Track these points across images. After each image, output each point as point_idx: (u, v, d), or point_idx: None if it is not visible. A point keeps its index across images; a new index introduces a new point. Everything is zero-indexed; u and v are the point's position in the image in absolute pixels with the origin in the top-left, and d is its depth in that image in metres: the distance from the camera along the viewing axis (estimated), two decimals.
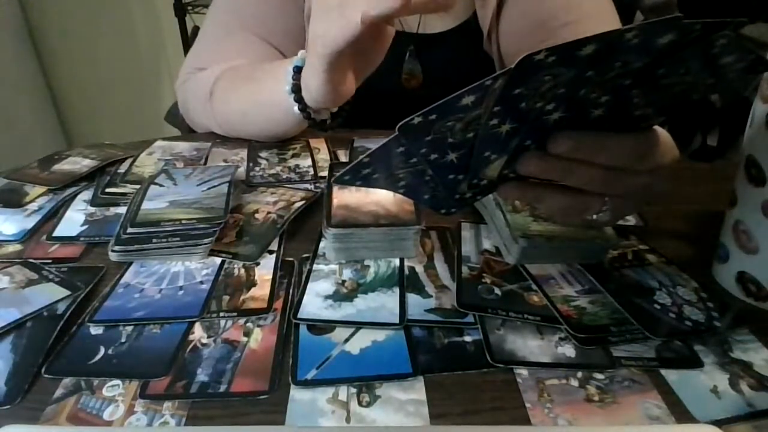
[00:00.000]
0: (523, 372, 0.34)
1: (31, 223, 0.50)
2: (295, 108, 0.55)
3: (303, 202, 0.53)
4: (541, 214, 0.45)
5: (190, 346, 0.36)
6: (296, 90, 0.53)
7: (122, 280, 0.42)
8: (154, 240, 0.44)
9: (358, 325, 0.38)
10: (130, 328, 0.38)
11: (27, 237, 0.49)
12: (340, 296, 0.41)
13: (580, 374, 0.34)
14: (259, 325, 0.38)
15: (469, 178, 0.36)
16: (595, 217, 0.38)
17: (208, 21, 0.73)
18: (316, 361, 0.35)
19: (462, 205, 0.40)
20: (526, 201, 0.39)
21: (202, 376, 0.34)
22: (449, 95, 0.27)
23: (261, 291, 0.41)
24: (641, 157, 0.35)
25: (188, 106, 0.73)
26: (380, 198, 0.47)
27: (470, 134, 0.31)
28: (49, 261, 0.45)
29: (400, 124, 0.28)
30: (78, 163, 0.61)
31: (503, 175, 0.36)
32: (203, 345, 0.36)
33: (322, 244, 0.47)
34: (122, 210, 0.51)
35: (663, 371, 0.35)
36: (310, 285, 0.42)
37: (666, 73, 0.30)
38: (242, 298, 0.41)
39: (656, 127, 0.36)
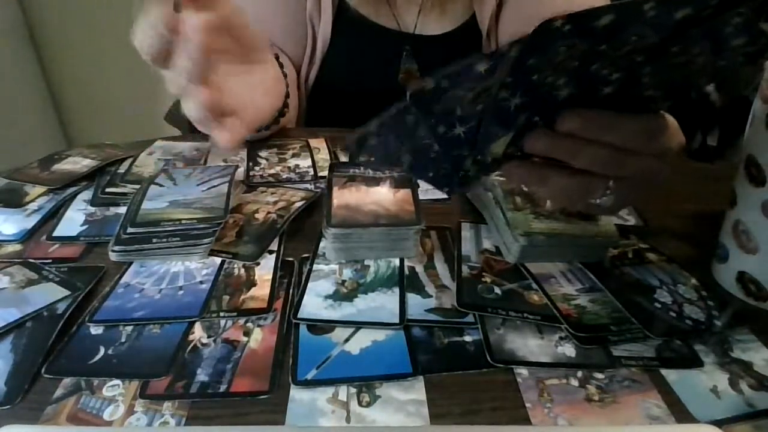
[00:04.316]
0: (523, 372, 0.34)
1: (31, 223, 0.50)
2: None
3: (303, 202, 0.53)
4: (542, 210, 0.45)
5: (190, 346, 0.36)
6: None
7: (122, 280, 0.42)
8: (154, 240, 0.44)
9: (358, 325, 0.38)
10: (130, 328, 0.38)
11: (27, 237, 0.49)
12: (340, 296, 0.41)
13: (580, 374, 0.34)
14: (259, 325, 0.38)
15: (475, 155, 0.36)
16: (598, 201, 0.37)
17: None
18: (316, 361, 0.35)
19: (464, 183, 0.39)
20: (529, 181, 0.38)
21: (202, 376, 0.34)
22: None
23: (261, 291, 0.41)
24: (649, 139, 0.34)
25: None
26: (380, 198, 0.47)
27: (479, 107, 0.31)
28: (49, 261, 0.45)
29: (412, 90, 0.28)
30: (78, 163, 0.61)
31: (508, 153, 0.36)
32: (203, 345, 0.36)
33: (322, 244, 0.47)
34: (122, 210, 0.51)
35: (663, 371, 0.35)
36: (310, 285, 0.42)
37: (679, 51, 0.30)
38: (242, 298, 0.41)
39: (663, 112, 0.36)
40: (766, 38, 0.29)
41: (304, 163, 0.63)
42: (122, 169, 0.60)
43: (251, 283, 0.42)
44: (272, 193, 0.55)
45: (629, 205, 0.41)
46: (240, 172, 0.60)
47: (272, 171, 0.61)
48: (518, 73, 0.29)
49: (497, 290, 0.41)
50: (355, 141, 0.33)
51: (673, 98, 0.35)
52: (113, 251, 0.44)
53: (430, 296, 0.41)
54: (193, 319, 0.38)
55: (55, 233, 0.49)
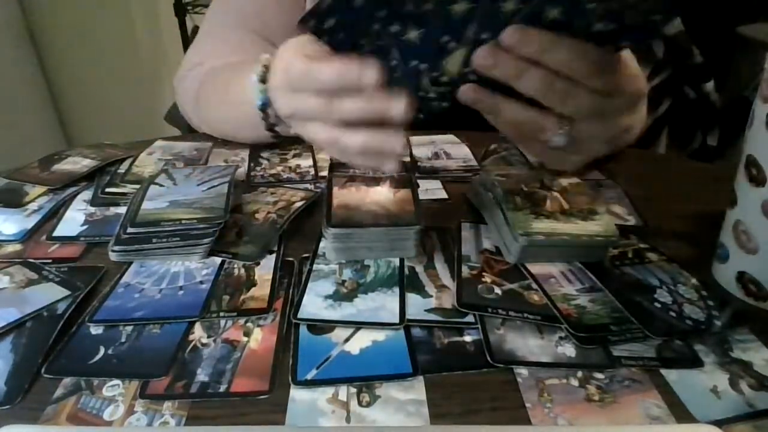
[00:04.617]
0: (523, 372, 0.34)
1: (31, 223, 0.50)
2: (264, 128, 0.53)
3: (303, 202, 0.53)
4: (542, 210, 0.45)
5: (190, 346, 0.36)
6: (263, 108, 0.51)
7: (122, 280, 0.42)
8: (154, 240, 0.44)
9: (358, 325, 0.38)
10: (130, 328, 0.38)
11: (27, 237, 0.49)
12: (340, 296, 0.41)
13: (580, 374, 0.34)
14: (259, 325, 0.38)
15: (431, 70, 0.36)
16: (553, 139, 0.37)
17: (207, 18, 0.73)
18: (316, 361, 0.35)
19: (425, 110, 0.39)
20: (481, 108, 0.38)
21: (202, 376, 0.34)
22: None
23: (261, 291, 0.41)
24: (595, 69, 0.34)
25: (181, 105, 0.73)
26: (380, 198, 0.47)
27: (428, 5, 0.31)
28: (49, 261, 0.45)
29: None
30: (78, 163, 0.61)
31: (464, 74, 0.36)
32: (203, 345, 0.36)
33: (322, 244, 0.47)
34: (122, 210, 0.51)
35: (663, 371, 0.35)
36: (310, 285, 0.42)
37: None
38: (242, 298, 0.41)
39: (624, 54, 0.35)
40: None
41: (305, 162, 0.64)
42: (122, 169, 0.60)
43: (251, 283, 0.42)
44: (272, 193, 0.55)
45: (590, 157, 0.39)
46: (241, 173, 0.60)
47: (273, 171, 0.62)
48: None
49: (497, 290, 0.41)
50: (313, 16, 0.33)
51: (631, 40, 0.34)
52: (113, 251, 0.44)
53: (430, 296, 0.41)
54: (193, 319, 0.38)
55: (55, 233, 0.49)
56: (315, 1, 0.71)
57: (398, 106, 0.35)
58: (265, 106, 0.48)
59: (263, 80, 0.45)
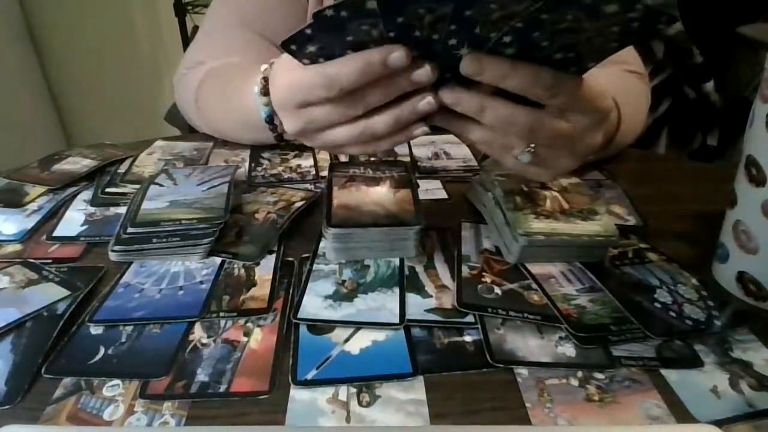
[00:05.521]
0: (523, 372, 0.34)
1: (31, 223, 0.50)
2: (272, 134, 0.53)
3: (303, 202, 0.53)
4: (542, 210, 0.45)
5: (190, 346, 0.36)
6: (270, 120, 0.48)
7: (122, 280, 0.42)
8: (154, 240, 0.44)
9: (358, 325, 0.38)
10: (130, 328, 0.38)
11: (27, 237, 0.49)
12: (340, 296, 0.41)
13: (580, 374, 0.34)
14: (259, 325, 0.38)
15: None
16: (519, 158, 0.38)
17: (208, 17, 0.73)
18: (316, 361, 0.35)
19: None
20: (451, 127, 0.39)
21: (202, 376, 0.34)
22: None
23: (261, 291, 0.41)
24: (553, 90, 0.35)
25: (181, 105, 0.73)
26: (380, 198, 0.47)
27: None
28: (49, 261, 0.45)
29: (315, 12, 0.29)
30: (78, 163, 0.61)
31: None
32: (203, 345, 0.36)
33: (322, 244, 0.47)
34: (122, 210, 0.51)
35: (663, 371, 0.35)
36: (310, 285, 0.42)
37: (553, 19, 0.30)
38: (242, 298, 0.41)
39: (588, 75, 0.36)
40: (642, 4, 0.29)
41: (306, 162, 0.64)
42: (122, 169, 0.60)
43: (251, 283, 0.42)
44: (272, 193, 0.55)
45: (563, 171, 0.41)
46: (242, 173, 0.60)
47: (274, 171, 0.62)
48: (399, 30, 0.31)
49: (497, 290, 0.41)
50: (293, 40, 0.33)
51: (595, 60, 0.35)
52: (113, 251, 0.44)
53: (430, 296, 0.41)
54: (193, 319, 0.38)
55: (55, 233, 0.49)
56: (317, 1, 0.71)
57: (422, 71, 0.34)
58: (271, 118, 0.47)
59: (264, 93, 0.45)
